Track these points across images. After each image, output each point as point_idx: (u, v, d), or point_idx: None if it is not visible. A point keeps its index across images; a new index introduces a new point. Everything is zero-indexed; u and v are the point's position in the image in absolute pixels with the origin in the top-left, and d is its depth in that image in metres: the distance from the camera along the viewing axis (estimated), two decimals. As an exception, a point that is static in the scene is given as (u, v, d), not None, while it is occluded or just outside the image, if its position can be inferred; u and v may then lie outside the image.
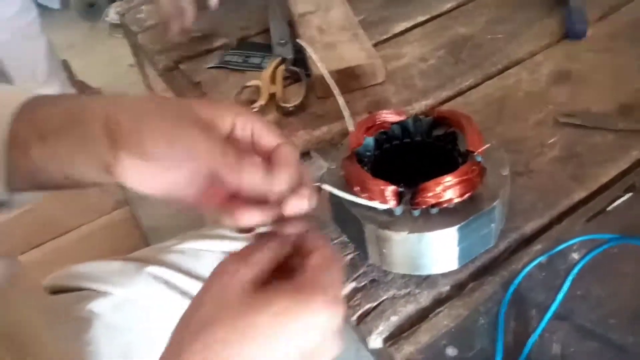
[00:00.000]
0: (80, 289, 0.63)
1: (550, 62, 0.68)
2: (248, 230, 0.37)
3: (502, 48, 0.73)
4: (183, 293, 0.65)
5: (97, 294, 0.62)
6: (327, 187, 0.46)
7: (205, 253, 0.71)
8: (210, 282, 0.32)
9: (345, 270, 0.49)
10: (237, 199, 0.37)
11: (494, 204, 0.43)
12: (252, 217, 0.37)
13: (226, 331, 0.29)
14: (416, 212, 0.44)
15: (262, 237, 0.35)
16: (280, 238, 0.35)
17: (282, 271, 0.34)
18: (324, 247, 0.34)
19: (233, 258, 0.33)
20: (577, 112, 0.59)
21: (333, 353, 0.31)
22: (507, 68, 0.69)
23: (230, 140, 0.39)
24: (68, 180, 0.39)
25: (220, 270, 0.32)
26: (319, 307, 0.30)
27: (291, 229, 0.35)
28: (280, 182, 0.35)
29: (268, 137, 0.38)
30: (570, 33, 0.71)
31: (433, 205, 0.43)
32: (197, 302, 0.32)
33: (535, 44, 0.72)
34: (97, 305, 0.61)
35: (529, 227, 0.50)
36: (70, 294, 0.63)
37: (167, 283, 0.65)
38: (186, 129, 0.34)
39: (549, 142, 0.57)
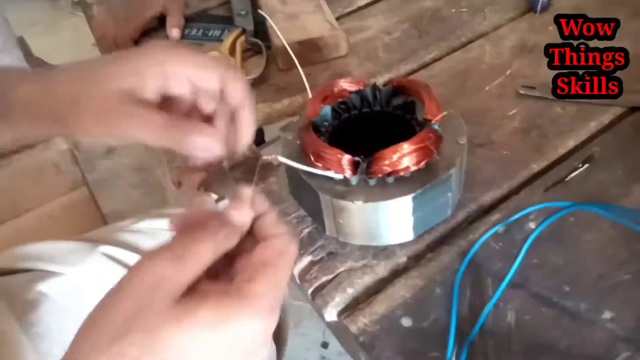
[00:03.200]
0: (29, 270, 0.61)
1: (514, 35, 0.68)
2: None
3: (467, 21, 0.72)
4: (138, 273, 0.63)
5: (47, 274, 0.60)
6: (282, 159, 0.44)
7: (163, 232, 0.69)
8: (128, 283, 0.26)
9: (302, 244, 0.48)
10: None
11: (450, 172, 0.42)
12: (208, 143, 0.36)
13: (142, 345, 0.24)
14: (372, 181, 0.43)
15: (204, 223, 0.29)
16: (228, 227, 0.29)
17: (225, 259, 0.29)
18: (277, 238, 0.29)
19: (164, 256, 0.27)
20: (537, 84, 0.59)
21: (260, 358, 0.28)
22: (471, 41, 0.68)
23: (168, 102, 0.37)
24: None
25: (142, 270, 0.27)
26: (249, 318, 0.26)
27: (241, 216, 0.30)
28: (243, 142, 0.36)
29: (209, 80, 0.36)
30: (535, 6, 0.71)
31: (389, 174, 0.42)
32: (109, 305, 0.26)
33: (499, 17, 0.71)
34: (46, 286, 0.58)
35: (488, 198, 0.49)
36: (18, 275, 0.60)
37: (121, 263, 0.62)
38: (122, 124, 0.35)
39: (510, 113, 0.57)
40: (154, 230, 0.68)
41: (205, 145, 0.35)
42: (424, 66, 0.66)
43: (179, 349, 0.25)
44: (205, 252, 0.27)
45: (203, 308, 0.25)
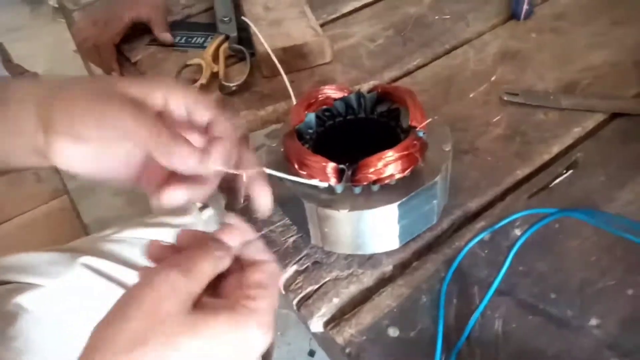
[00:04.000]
0: (7, 282, 0.59)
1: (497, 41, 0.68)
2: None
3: (450, 28, 0.72)
4: (120, 284, 0.61)
5: (26, 286, 0.58)
6: (268, 170, 0.44)
7: (145, 241, 0.67)
8: (142, 292, 0.28)
9: (287, 254, 0.47)
10: (176, 177, 0.35)
11: (435, 179, 0.42)
12: (177, 196, 0.35)
13: (160, 352, 0.27)
14: (357, 190, 0.42)
15: (201, 241, 0.32)
16: (224, 249, 0.32)
17: (217, 278, 0.32)
18: (266, 263, 0.33)
19: (171, 266, 0.29)
20: (521, 90, 0.59)
21: None
22: (454, 48, 0.69)
23: (164, 117, 0.36)
24: None
25: (154, 280, 0.29)
26: (254, 333, 0.29)
27: (232, 241, 0.33)
28: (214, 161, 0.34)
29: (202, 112, 0.37)
30: (517, 13, 0.71)
31: (374, 182, 0.42)
32: (125, 313, 0.28)
33: (482, 24, 0.72)
34: (25, 299, 0.56)
35: (473, 205, 0.49)
36: (-5, 288, 0.58)
37: (102, 274, 0.61)
38: (115, 109, 0.33)
39: (494, 120, 0.57)
40: (136, 240, 0.67)
41: (187, 163, 0.34)
42: (408, 73, 0.66)
43: (196, 355, 0.27)
44: (208, 268, 0.30)
45: (216, 320, 0.28)
